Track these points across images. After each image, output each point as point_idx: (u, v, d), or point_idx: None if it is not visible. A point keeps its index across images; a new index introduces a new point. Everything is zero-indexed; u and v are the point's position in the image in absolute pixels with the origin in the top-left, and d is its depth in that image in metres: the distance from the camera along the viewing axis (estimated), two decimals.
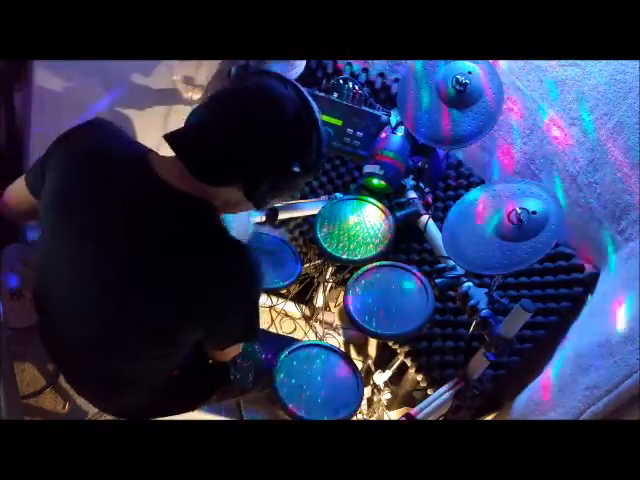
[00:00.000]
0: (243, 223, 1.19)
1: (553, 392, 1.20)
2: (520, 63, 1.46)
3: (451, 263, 1.29)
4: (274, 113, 0.81)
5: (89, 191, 0.86)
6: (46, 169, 0.90)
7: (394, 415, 1.70)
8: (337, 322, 1.98)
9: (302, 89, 0.86)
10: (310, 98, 0.87)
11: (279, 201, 0.97)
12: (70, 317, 0.95)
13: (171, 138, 0.84)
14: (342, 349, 1.39)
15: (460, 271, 1.28)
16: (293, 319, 1.96)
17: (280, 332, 1.88)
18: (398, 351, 1.59)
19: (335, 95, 1.50)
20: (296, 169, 0.83)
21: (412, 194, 1.51)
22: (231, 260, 0.85)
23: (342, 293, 1.60)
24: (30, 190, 0.97)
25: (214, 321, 0.89)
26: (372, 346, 1.85)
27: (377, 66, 1.71)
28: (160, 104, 1.53)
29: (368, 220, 1.49)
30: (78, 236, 0.87)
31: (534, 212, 1.10)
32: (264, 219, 1.47)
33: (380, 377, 1.70)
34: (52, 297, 0.97)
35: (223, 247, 0.86)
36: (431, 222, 1.44)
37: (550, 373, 1.25)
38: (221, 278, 0.84)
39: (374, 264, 1.40)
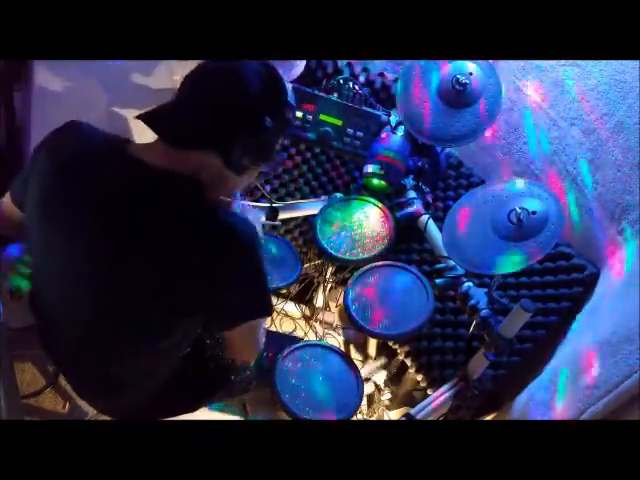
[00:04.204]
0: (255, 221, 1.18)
1: (553, 392, 1.20)
2: (520, 63, 1.47)
3: (451, 263, 1.29)
4: (230, 71, 0.86)
5: (72, 190, 0.86)
6: (29, 178, 0.91)
7: (394, 415, 1.70)
8: (337, 322, 1.98)
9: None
10: (272, 65, 0.91)
11: (260, 167, 0.97)
12: (63, 318, 0.95)
13: (142, 114, 0.87)
14: (342, 349, 1.39)
15: (460, 271, 1.28)
16: (293, 319, 1.96)
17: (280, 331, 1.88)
18: (398, 351, 1.59)
19: (335, 95, 1.50)
20: (266, 123, 0.87)
21: (412, 194, 1.51)
22: (220, 230, 0.84)
23: (342, 293, 1.60)
24: (15, 203, 0.97)
25: (212, 296, 0.87)
26: (372, 346, 1.85)
27: (377, 66, 1.71)
28: (160, 104, 1.53)
29: (368, 220, 1.49)
30: (66, 237, 0.87)
31: (534, 212, 1.10)
32: (264, 219, 1.47)
33: (380, 377, 1.70)
34: (47, 299, 0.97)
35: (212, 218, 0.85)
36: (431, 222, 1.44)
37: (550, 373, 1.25)
38: (211, 248, 0.83)
39: (374, 264, 1.40)
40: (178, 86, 0.90)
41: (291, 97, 0.93)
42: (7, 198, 1.01)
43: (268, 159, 0.95)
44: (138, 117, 0.86)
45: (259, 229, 1.19)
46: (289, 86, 0.93)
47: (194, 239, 0.83)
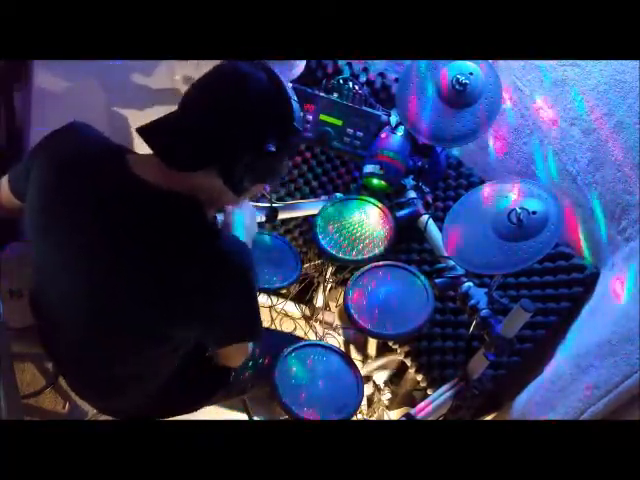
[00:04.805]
0: (250, 218, 1.18)
1: (553, 392, 1.20)
2: (520, 63, 1.47)
3: (451, 263, 1.29)
4: (238, 91, 0.81)
5: (69, 195, 0.85)
6: (29, 172, 0.90)
7: (394, 415, 1.70)
8: (337, 322, 1.98)
9: (274, 71, 0.86)
10: (282, 79, 0.86)
11: (262, 187, 0.96)
12: (63, 320, 0.95)
13: (142, 129, 0.84)
14: (342, 349, 1.39)
15: (460, 271, 1.28)
16: (293, 319, 1.96)
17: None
18: (398, 351, 1.59)
19: (335, 95, 1.50)
20: (271, 148, 0.83)
21: (412, 194, 1.51)
22: (214, 253, 0.83)
23: (342, 293, 1.60)
24: (13, 191, 0.97)
25: (204, 316, 0.87)
26: (372, 346, 1.85)
27: (377, 66, 1.70)
28: (160, 104, 1.53)
29: (368, 220, 1.49)
30: (62, 241, 0.87)
31: (534, 212, 1.10)
32: (264, 219, 1.47)
33: (380, 377, 1.70)
34: (46, 300, 0.97)
35: (206, 241, 0.84)
36: (431, 222, 1.44)
37: (550, 373, 1.25)
38: (204, 272, 0.82)
39: (374, 264, 1.40)
40: (178, 86, 0.88)
41: (299, 123, 0.89)
42: (4, 185, 0.99)
43: (270, 181, 0.93)
44: (138, 131, 0.84)
45: (255, 228, 1.19)
46: (298, 110, 0.89)
47: (188, 257, 0.82)
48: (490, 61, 1.39)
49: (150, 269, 0.82)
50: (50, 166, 0.88)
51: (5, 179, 0.99)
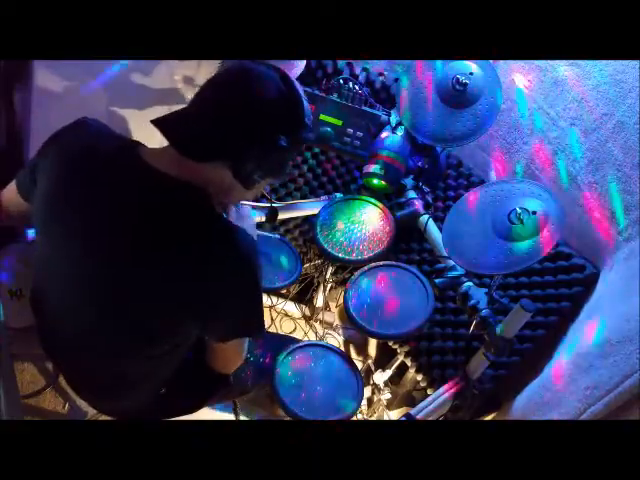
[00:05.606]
0: (249, 225, 1.19)
1: (553, 392, 1.20)
2: (520, 63, 1.47)
3: (451, 263, 1.29)
4: (251, 86, 0.84)
5: (79, 190, 0.86)
6: (36, 172, 0.91)
7: (394, 415, 1.70)
8: (337, 322, 1.98)
9: (284, 70, 0.89)
10: (291, 77, 0.88)
11: (269, 182, 0.97)
12: (66, 318, 0.94)
13: (157, 120, 0.85)
14: (342, 349, 1.39)
15: (460, 271, 1.28)
16: (293, 319, 1.96)
17: (280, 332, 1.88)
18: (398, 351, 1.59)
19: (335, 95, 1.50)
20: (282, 142, 0.85)
21: (412, 194, 1.51)
22: (224, 244, 0.84)
23: (342, 293, 1.60)
24: (20, 194, 0.97)
25: (210, 310, 0.87)
26: (372, 346, 1.85)
27: (377, 66, 1.71)
28: (160, 104, 1.53)
29: (368, 220, 1.49)
30: (71, 236, 0.87)
31: (534, 212, 1.10)
32: (264, 219, 1.47)
33: (380, 377, 1.70)
34: (48, 299, 0.97)
35: (216, 232, 0.85)
36: (431, 222, 1.44)
37: (550, 373, 1.25)
38: (213, 263, 0.83)
39: (374, 264, 1.40)
40: (178, 86, 0.89)
41: (309, 118, 0.91)
42: (8, 190, 1.00)
43: (279, 175, 0.95)
44: (153, 122, 0.85)
45: (254, 231, 1.19)
46: (308, 106, 0.91)
47: (197, 245, 0.82)
48: (490, 61, 1.39)
49: (158, 257, 0.82)
50: (62, 158, 0.88)
51: (13, 182, 1.00)
